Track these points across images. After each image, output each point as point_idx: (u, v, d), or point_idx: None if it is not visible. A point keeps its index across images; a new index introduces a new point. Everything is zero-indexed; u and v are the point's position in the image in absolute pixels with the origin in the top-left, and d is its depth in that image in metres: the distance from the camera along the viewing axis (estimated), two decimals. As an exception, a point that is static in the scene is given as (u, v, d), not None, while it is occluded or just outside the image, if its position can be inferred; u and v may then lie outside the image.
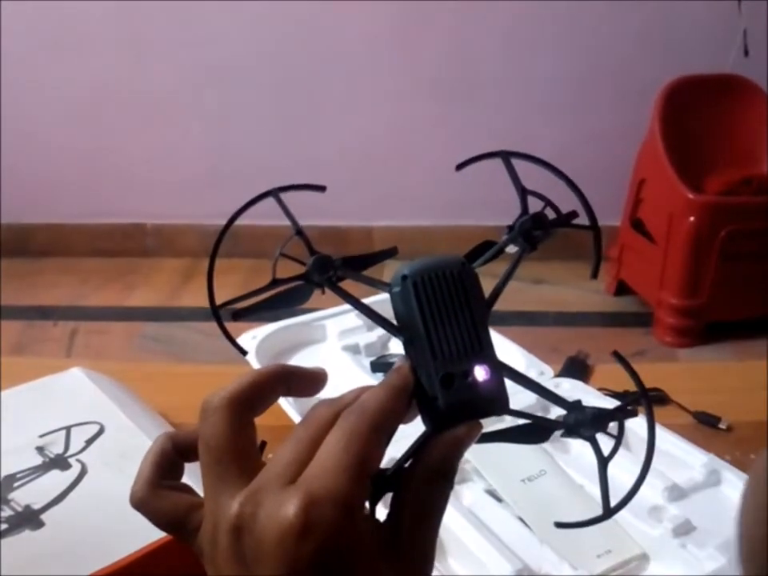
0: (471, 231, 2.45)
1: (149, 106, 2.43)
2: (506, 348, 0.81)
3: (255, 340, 0.82)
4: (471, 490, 0.64)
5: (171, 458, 0.34)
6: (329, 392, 0.35)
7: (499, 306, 0.33)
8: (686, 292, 1.82)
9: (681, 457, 0.71)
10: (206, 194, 2.54)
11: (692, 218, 1.79)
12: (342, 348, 0.84)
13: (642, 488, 0.32)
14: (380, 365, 0.80)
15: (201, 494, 0.31)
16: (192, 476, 0.34)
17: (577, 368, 0.90)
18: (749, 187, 1.83)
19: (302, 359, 0.87)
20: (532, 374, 0.78)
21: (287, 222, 0.37)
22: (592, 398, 0.77)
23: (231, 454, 0.30)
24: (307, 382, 0.35)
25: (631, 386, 0.33)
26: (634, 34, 2.22)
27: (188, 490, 0.34)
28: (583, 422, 0.31)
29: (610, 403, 0.75)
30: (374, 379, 0.78)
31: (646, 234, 1.98)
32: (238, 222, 0.37)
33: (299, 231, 0.35)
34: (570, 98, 2.33)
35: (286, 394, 0.34)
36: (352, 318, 0.88)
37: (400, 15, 2.25)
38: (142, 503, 0.32)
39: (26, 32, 2.32)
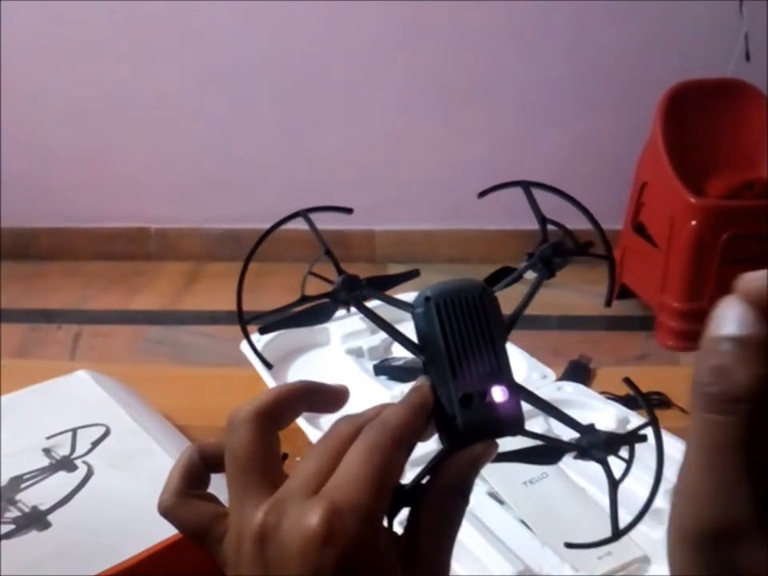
0: (473, 235, 2.46)
1: (152, 110, 2.44)
2: (508, 351, 0.81)
3: (259, 343, 0.82)
4: (473, 493, 0.65)
5: (198, 468, 0.35)
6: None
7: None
8: (688, 295, 1.83)
9: (682, 460, 0.71)
10: (209, 198, 2.55)
11: (694, 222, 1.79)
12: (346, 351, 0.85)
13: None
14: (383, 368, 0.81)
15: (226, 504, 0.32)
16: (218, 487, 0.35)
17: (579, 372, 0.90)
18: (750, 191, 1.84)
19: (306, 362, 0.87)
20: (534, 378, 0.79)
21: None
22: (594, 401, 0.77)
23: (256, 465, 0.31)
24: (329, 398, 0.36)
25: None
26: (636, 39, 2.23)
27: (214, 499, 0.34)
28: (596, 445, 0.33)
29: (612, 406, 0.76)
30: (378, 382, 0.79)
31: (648, 237, 1.99)
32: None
33: (328, 251, 0.36)
34: (572, 102, 2.34)
35: (309, 409, 0.35)
36: (355, 321, 0.88)
37: (403, 20, 2.26)
38: (169, 511, 0.33)
39: (29, 37, 2.34)
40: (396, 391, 0.75)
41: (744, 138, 1.97)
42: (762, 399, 0.22)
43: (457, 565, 0.59)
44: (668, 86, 1.98)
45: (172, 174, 2.52)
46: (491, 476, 0.65)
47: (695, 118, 1.96)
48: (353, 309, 0.36)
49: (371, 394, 0.77)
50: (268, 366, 0.40)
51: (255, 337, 0.82)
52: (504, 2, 2.21)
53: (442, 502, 0.31)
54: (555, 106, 2.35)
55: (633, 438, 0.33)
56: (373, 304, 0.38)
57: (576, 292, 2.08)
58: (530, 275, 0.36)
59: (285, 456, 0.34)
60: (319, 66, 2.34)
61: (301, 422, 0.69)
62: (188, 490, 0.34)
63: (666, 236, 1.87)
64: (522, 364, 0.81)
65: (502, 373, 0.32)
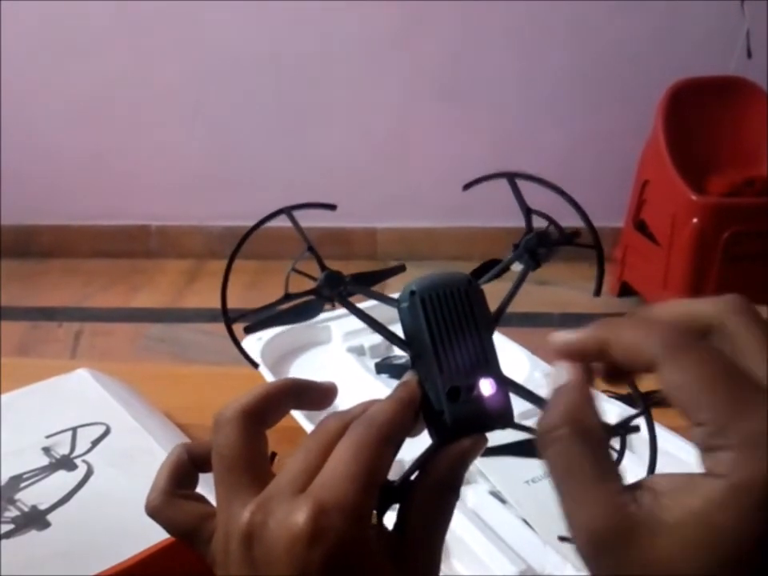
0: (474, 233, 2.46)
1: (153, 108, 2.44)
2: (509, 349, 0.81)
3: (260, 342, 0.82)
4: (475, 492, 0.65)
5: (186, 468, 0.35)
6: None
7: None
8: (690, 293, 1.82)
9: (683, 458, 0.71)
10: (209, 195, 2.55)
11: (695, 220, 1.79)
12: (347, 349, 0.84)
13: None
14: (385, 366, 0.80)
15: (214, 503, 0.32)
16: (206, 486, 0.34)
17: (580, 369, 0.90)
18: (752, 188, 1.83)
19: (307, 361, 0.87)
20: (536, 376, 0.79)
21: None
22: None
23: (243, 463, 0.31)
24: (318, 395, 0.35)
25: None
26: (638, 37, 2.22)
27: (202, 499, 0.34)
28: None
29: (614, 405, 0.75)
30: (379, 381, 0.79)
31: (650, 235, 1.98)
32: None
33: (311, 248, 0.36)
34: (573, 99, 2.33)
35: (297, 407, 0.35)
36: (356, 319, 0.88)
37: (403, 18, 2.26)
38: (157, 511, 0.33)
39: (30, 35, 2.33)
40: (397, 389, 0.74)
41: (745, 135, 1.97)
42: (579, 422, 0.27)
43: (458, 564, 0.58)
44: (669, 83, 1.97)
45: (173, 171, 2.52)
46: (492, 475, 0.65)
47: (697, 116, 1.95)
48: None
49: (372, 392, 0.76)
50: (254, 365, 0.40)
51: (258, 335, 0.82)
52: (504, 2, 2.21)
53: (432, 498, 0.31)
54: (556, 104, 2.35)
55: (624, 428, 0.33)
56: (367, 303, 0.38)
57: (577, 289, 2.07)
58: (518, 267, 0.36)
59: (273, 455, 0.34)
60: (320, 64, 2.34)
61: (301, 420, 0.69)
62: (176, 490, 0.34)
63: (668, 233, 1.87)
64: (523, 362, 0.80)
65: (490, 365, 0.32)
